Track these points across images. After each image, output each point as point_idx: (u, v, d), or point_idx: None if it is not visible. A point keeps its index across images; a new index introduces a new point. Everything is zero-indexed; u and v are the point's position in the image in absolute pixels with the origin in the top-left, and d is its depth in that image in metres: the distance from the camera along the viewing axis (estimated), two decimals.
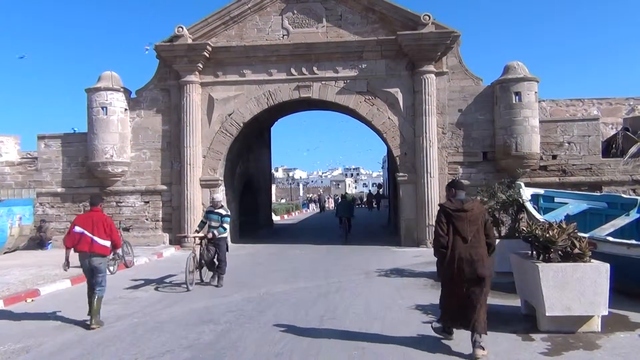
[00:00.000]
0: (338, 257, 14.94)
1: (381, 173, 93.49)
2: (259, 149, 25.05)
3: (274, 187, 62.13)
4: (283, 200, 57.99)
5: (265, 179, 26.99)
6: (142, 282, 11.26)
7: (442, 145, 17.05)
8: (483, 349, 5.74)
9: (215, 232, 10.56)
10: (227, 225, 10.73)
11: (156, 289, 10.42)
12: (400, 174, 17.18)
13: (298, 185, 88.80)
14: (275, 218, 33.60)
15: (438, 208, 6.35)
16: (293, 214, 44.07)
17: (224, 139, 17.88)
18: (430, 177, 16.61)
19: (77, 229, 7.62)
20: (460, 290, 5.98)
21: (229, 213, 10.93)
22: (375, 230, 24.59)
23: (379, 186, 64.81)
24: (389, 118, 17.30)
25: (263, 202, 25.97)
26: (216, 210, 10.81)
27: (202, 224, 11.22)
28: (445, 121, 17.10)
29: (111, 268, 12.69)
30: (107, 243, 7.68)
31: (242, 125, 17.83)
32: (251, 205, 23.22)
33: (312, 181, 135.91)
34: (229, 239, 11.31)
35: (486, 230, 6.07)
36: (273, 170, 53.38)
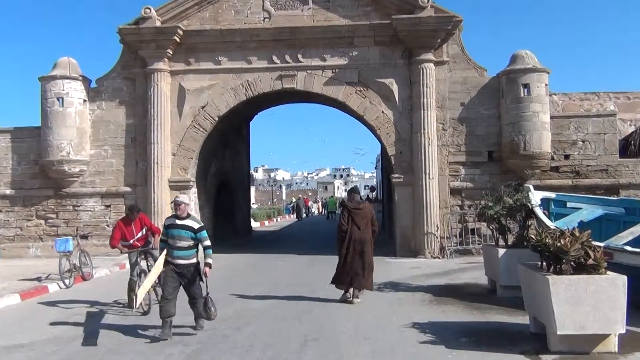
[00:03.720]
0: (324, 268, 14.86)
1: (374, 174, 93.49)
2: (236, 146, 24.98)
3: (253, 189, 61.93)
4: (256, 206, 57.76)
5: (243, 180, 26.92)
6: (102, 297, 11.13)
7: (443, 143, 17.12)
8: (358, 297, 10.06)
9: (209, 261, 8.13)
10: (208, 242, 8.26)
11: (112, 305, 10.30)
12: (396, 175, 17.23)
13: (280, 187, 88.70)
14: (255, 224, 33.51)
15: (341, 207, 10.41)
16: (274, 219, 44.02)
17: (197, 134, 17.79)
18: (429, 178, 16.66)
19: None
20: (352, 261, 9.96)
21: (203, 225, 8.50)
22: None
23: (372, 189, 64.85)
24: (382, 112, 17.34)
25: (240, 207, 25.90)
26: (182, 223, 8.18)
27: (163, 246, 8.37)
28: (445, 116, 17.19)
29: (66, 281, 12.57)
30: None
31: (217, 119, 17.76)
32: (227, 210, 23.13)
33: (296, 183, 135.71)
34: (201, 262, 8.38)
35: (372, 222, 10.24)
36: (252, 171, 53.07)
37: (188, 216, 8.33)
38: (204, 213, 19.33)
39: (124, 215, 11.33)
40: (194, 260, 8.27)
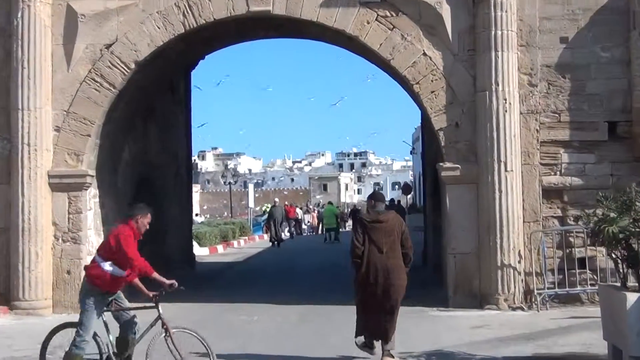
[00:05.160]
0: (322, 326, 14.99)
1: (409, 162, 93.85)
2: (168, 116, 25.02)
3: (197, 189, 61.80)
4: (202, 219, 57.80)
5: (178, 174, 27.01)
6: None
7: (529, 108, 17.17)
8: (392, 356, 11.07)
9: None
10: None
11: None
12: (447, 164, 17.30)
13: (245, 186, 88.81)
14: (201, 252, 33.54)
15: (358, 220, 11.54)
16: (235, 242, 44.03)
17: (98, 94, 17.82)
18: (506, 170, 16.68)
19: None
20: (375, 300, 11.04)
21: None
22: None
23: (405, 189, 64.95)
24: (424, 54, 17.41)
25: (175, 220, 25.90)
26: None
27: None
28: (534, 61, 17.23)
29: None
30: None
31: (133, 67, 17.80)
32: (151, 227, 23.11)
33: (273, 178, 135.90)
34: None
35: (402, 241, 11.26)
36: (196, 158, 52.54)
37: None
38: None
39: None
40: None
